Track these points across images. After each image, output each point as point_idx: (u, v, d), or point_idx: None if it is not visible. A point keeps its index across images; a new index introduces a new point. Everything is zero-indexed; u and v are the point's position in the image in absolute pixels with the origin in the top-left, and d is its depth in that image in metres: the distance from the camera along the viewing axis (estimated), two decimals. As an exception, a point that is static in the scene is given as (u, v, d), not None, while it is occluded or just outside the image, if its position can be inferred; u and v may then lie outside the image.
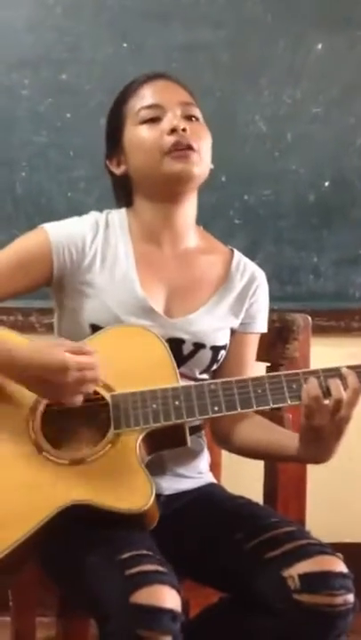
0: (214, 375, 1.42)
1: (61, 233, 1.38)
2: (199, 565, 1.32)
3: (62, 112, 2.17)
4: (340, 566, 1.20)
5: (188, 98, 1.40)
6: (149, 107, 1.37)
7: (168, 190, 1.38)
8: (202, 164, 1.37)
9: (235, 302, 1.43)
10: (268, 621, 1.20)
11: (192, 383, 1.27)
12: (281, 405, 1.25)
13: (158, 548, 1.21)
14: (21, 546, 1.19)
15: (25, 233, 1.42)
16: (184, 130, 1.35)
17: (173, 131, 1.35)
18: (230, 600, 1.30)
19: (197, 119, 1.39)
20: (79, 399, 1.24)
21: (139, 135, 1.37)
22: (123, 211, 1.44)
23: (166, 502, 1.36)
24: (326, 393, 1.24)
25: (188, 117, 1.38)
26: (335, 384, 1.24)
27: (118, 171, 1.42)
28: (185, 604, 1.52)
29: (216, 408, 1.24)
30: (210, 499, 1.39)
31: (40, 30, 2.15)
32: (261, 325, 1.46)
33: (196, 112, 1.39)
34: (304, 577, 1.17)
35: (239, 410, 1.25)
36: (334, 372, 1.26)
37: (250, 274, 1.45)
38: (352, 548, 1.46)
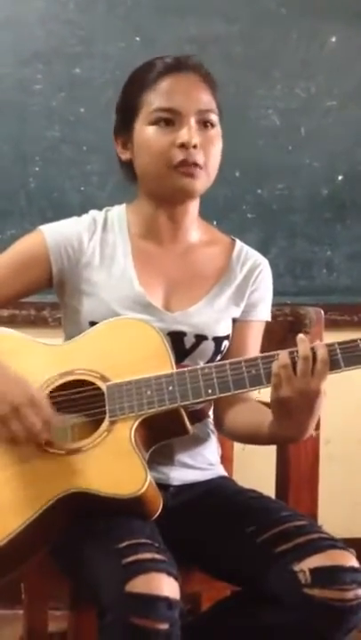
0: None
1: (58, 234, 1.39)
2: (210, 558, 1.32)
3: (75, 106, 2.17)
4: (352, 561, 1.19)
5: (206, 101, 1.36)
6: (166, 110, 1.34)
7: (171, 198, 1.38)
8: (207, 178, 1.36)
9: (235, 292, 1.43)
10: (278, 615, 1.20)
11: (186, 368, 1.27)
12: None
13: (167, 540, 1.21)
14: (21, 534, 1.20)
15: (35, 228, 1.42)
16: (195, 146, 1.33)
17: (183, 145, 1.33)
18: (241, 594, 1.30)
19: (213, 125, 1.36)
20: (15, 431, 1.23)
21: (149, 137, 1.35)
22: (122, 207, 1.45)
23: (176, 494, 1.37)
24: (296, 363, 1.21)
25: (204, 123, 1.35)
26: (304, 349, 1.21)
27: (123, 155, 1.41)
28: (196, 598, 1.53)
29: (210, 391, 1.24)
30: (220, 492, 1.39)
31: (53, 24, 2.15)
32: (263, 314, 1.46)
33: (212, 118, 1.36)
34: (315, 571, 1.17)
35: (233, 391, 1.24)
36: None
37: (251, 263, 1.45)
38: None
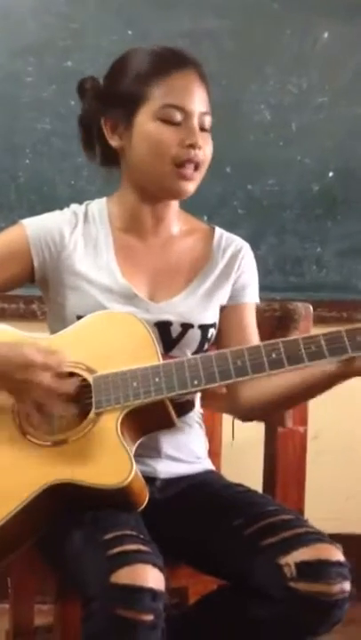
0: None
1: (39, 227, 1.39)
2: (196, 552, 1.32)
3: (66, 99, 2.15)
4: (337, 555, 1.19)
5: (206, 102, 1.37)
6: (176, 107, 1.34)
7: (160, 194, 1.38)
8: (200, 180, 1.38)
9: (219, 278, 1.43)
10: (264, 609, 1.20)
11: (172, 360, 1.27)
12: (261, 375, 1.24)
13: (154, 534, 1.21)
14: (7, 525, 1.20)
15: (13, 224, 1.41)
16: (199, 147, 1.34)
17: (191, 145, 1.34)
18: (228, 588, 1.30)
19: (209, 130, 1.37)
20: (47, 396, 1.24)
21: (155, 132, 1.34)
22: (103, 200, 1.45)
23: (163, 487, 1.37)
24: None
25: (202, 128, 1.36)
26: None
27: (112, 141, 1.39)
28: (183, 592, 1.53)
29: (196, 382, 1.24)
30: (208, 485, 1.39)
31: (45, 17, 2.15)
32: (252, 296, 1.47)
33: (209, 122, 1.37)
34: (301, 565, 1.17)
35: (219, 382, 1.25)
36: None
37: (233, 248, 1.46)
38: (352, 540, 1.47)
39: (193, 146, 1.34)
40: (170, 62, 1.36)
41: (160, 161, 1.34)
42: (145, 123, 1.35)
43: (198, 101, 1.36)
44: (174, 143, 1.34)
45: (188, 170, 1.35)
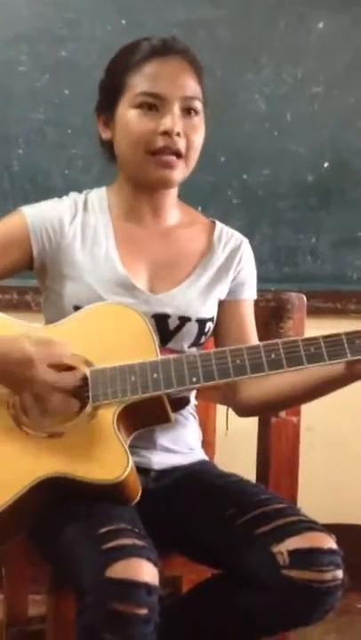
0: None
1: (38, 215, 1.38)
2: (190, 541, 1.33)
3: (60, 88, 2.15)
4: (330, 543, 1.20)
5: (192, 87, 1.35)
6: (150, 94, 1.33)
7: (148, 184, 1.37)
8: (186, 167, 1.36)
9: (218, 273, 1.43)
10: (258, 597, 1.21)
11: (171, 356, 1.27)
12: (260, 375, 1.24)
13: (148, 524, 1.21)
14: (0, 516, 1.20)
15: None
16: (178, 134, 1.32)
17: (166, 133, 1.32)
18: (221, 576, 1.31)
19: (196, 113, 1.35)
20: (45, 391, 1.24)
21: (131, 121, 1.34)
22: (102, 190, 1.44)
23: (157, 477, 1.37)
24: None
25: (187, 111, 1.34)
26: None
27: (104, 134, 1.40)
28: (176, 581, 1.53)
29: (194, 379, 1.24)
30: (201, 475, 1.39)
31: (39, 5, 2.13)
32: (251, 292, 1.47)
33: (196, 105, 1.35)
34: (293, 553, 1.18)
35: (217, 380, 1.24)
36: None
37: (233, 243, 1.45)
38: (344, 530, 1.47)
39: (168, 133, 1.31)
40: (148, 51, 1.35)
41: (136, 150, 1.34)
42: (124, 112, 1.35)
43: (179, 86, 1.33)
44: (150, 131, 1.32)
45: (168, 157, 1.32)
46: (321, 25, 2.25)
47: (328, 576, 1.17)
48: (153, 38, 1.37)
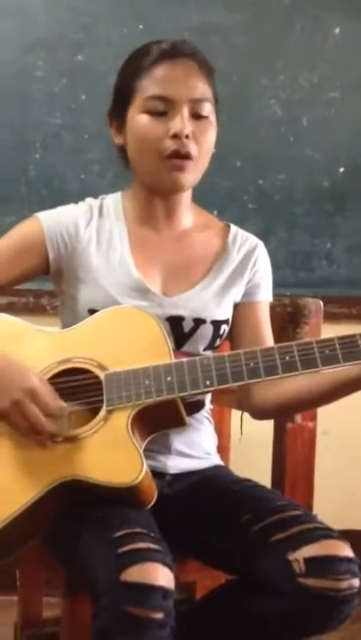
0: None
1: (54, 220, 1.39)
2: (205, 547, 1.33)
3: (77, 93, 2.16)
4: (346, 550, 1.19)
5: (201, 89, 1.34)
6: (159, 98, 1.32)
7: (162, 189, 1.38)
8: (197, 170, 1.36)
9: (233, 275, 1.43)
10: (273, 604, 1.20)
11: (185, 359, 1.27)
12: (274, 378, 1.24)
13: (163, 529, 1.21)
14: (16, 521, 1.20)
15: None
16: (187, 136, 1.32)
17: (176, 136, 1.32)
18: (236, 583, 1.30)
19: (206, 115, 1.34)
20: (28, 428, 1.23)
21: (141, 125, 1.34)
22: (117, 194, 1.45)
23: (172, 482, 1.37)
24: None
25: (197, 115, 1.33)
26: None
27: (117, 139, 1.41)
28: (191, 587, 1.53)
29: (208, 382, 1.24)
30: (216, 480, 1.39)
31: (56, 11, 2.15)
32: (266, 294, 1.47)
33: (206, 108, 1.34)
34: (310, 561, 1.17)
35: (231, 383, 1.24)
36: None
37: (248, 246, 1.45)
38: (360, 537, 1.46)
39: (178, 136, 1.31)
40: (158, 54, 1.34)
41: (148, 154, 1.34)
42: (134, 117, 1.35)
43: (188, 88, 1.33)
44: (160, 135, 1.32)
45: (179, 161, 1.32)
46: (337, 30, 2.25)
47: (344, 584, 1.17)
48: (163, 42, 1.36)
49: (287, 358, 1.22)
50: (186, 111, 1.32)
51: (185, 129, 1.31)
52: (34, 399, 1.22)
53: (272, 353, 1.23)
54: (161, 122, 1.33)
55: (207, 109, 1.35)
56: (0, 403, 1.22)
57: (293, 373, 1.23)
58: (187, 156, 1.33)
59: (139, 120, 1.34)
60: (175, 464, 1.38)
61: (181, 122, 1.32)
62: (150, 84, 1.33)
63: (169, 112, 1.32)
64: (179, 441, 1.39)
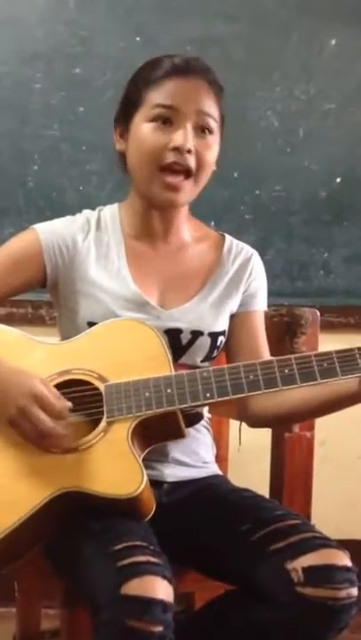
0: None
1: (52, 233, 1.39)
2: (203, 557, 1.33)
3: (75, 106, 2.17)
4: (344, 560, 1.19)
5: (208, 105, 1.34)
6: (165, 107, 1.33)
7: (153, 203, 1.38)
8: (194, 188, 1.36)
9: (229, 287, 1.44)
10: (271, 614, 1.20)
11: (185, 372, 1.27)
12: (273, 391, 1.24)
13: (160, 538, 1.21)
14: (15, 532, 1.20)
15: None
16: (189, 151, 1.32)
17: (177, 149, 1.32)
18: (235, 593, 1.30)
19: (211, 132, 1.35)
20: (36, 434, 1.22)
21: (144, 134, 1.34)
22: (115, 206, 1.45)
23: (170, 491, 1.37)
24: None
25: (201, 128, 1.34)
26: None
27: (118, 145, 1.41)
28: (190, 597, 1.53)
29: (208, 394, 1.24)
30: (214, 490, 1.39)
31: (53, 24, 2.16)
32: (262, 303, 1.48)
33: (211, 124, 1.34)
34: (308, 570, 1.17)
35: (231, 396, 1.25)
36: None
37: (243, 256, 1.46)
38: (358, 546, 1.46)
39: (179, 149, 1.31)
40: (170, 69, 1.35)
41: (146, 164, 1.34)
42: (138, 125, 1.35)
43: (194, 101, 1.33)
44: (161, 145, 1.32)
45: (175, 178, 1.32)
46: (333, 41, 2.26)
47: (343, 593, 1.17)
48: (176, 56, 1.37)
49: (286, 371, 1.23)
50: (190, 125, 1.33)
51: (187, 143, 1.32)
52: (38, 403, 1.21)
53: (271, 366, 1.24)
54: (164, 132, 1.33)
55: (212, 125, 1.35)
56: (6, 411, 1.22)
57: (292, 386, 1.24)
58: (186, 171, 1.33)
59: (143, 129, 1.35)
60: (173, 473, 1.38)
61: (184, 135, 1.32)
62: (159, 95, 1.34)
63: (174, 122, 1.33)
64: (177, 450, 1.39)
